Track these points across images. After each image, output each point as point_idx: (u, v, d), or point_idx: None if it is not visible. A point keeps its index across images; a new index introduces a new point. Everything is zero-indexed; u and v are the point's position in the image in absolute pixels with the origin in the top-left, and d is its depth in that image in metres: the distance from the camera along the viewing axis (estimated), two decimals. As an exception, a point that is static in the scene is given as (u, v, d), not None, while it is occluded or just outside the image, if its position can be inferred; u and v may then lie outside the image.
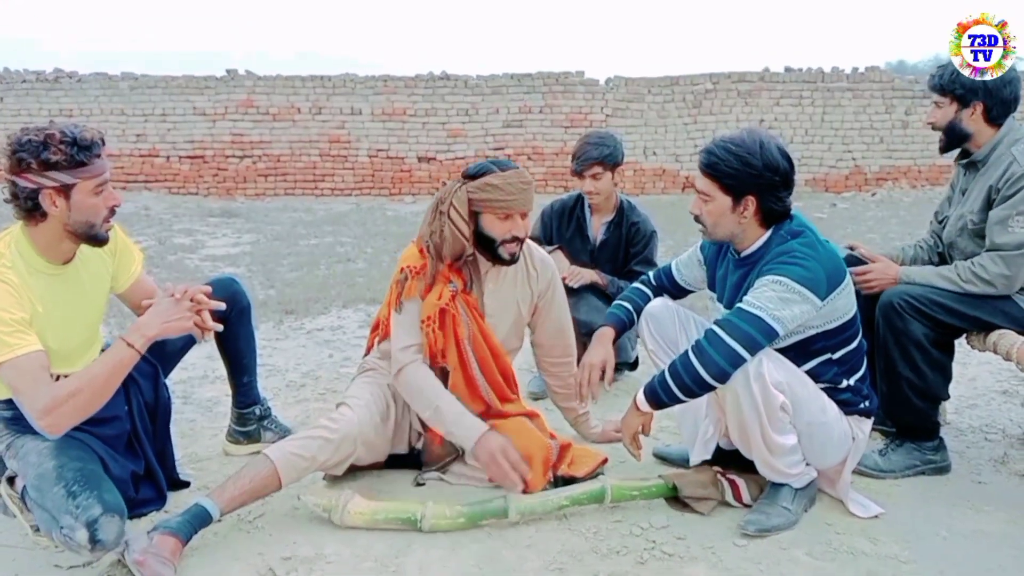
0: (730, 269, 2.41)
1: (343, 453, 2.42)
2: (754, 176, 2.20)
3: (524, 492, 2.42)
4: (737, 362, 2.13)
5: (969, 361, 3.73)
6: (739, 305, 2.18)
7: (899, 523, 2.34)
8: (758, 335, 2.12)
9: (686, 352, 2.20)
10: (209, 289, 2.27)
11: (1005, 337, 2.48)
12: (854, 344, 2.33)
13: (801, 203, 11.96)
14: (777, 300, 2.13)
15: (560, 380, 2.82)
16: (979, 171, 2.67)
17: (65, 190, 2.08)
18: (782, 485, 2.34)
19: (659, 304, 2.58)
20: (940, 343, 2.57)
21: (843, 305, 2.25)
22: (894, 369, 2.58)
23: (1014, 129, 2.62)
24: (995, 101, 2.60)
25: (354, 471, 2.59)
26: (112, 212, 2.19)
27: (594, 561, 2.14)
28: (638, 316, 2.61)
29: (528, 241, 2.73)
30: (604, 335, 2.60)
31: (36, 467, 2.14)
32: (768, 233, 2.29)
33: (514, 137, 13.61)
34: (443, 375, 2.55)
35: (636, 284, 2.72)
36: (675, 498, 2.40)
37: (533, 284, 2.71)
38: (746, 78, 13.29)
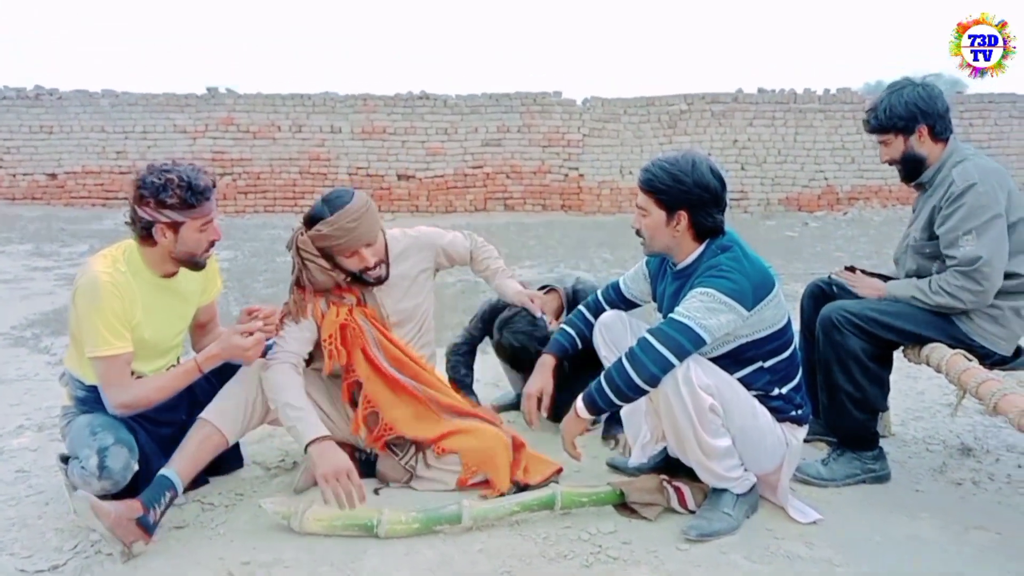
0: (668, 282, 2.55)
1: (259, 385, 2.58)
2: (685, 192, 2.36)
3: (488, 494, 2.56)
4: (666, 367, 2.26)
5: (919, 375, 3.86)
6: (670, 315, 2.32)
7: (836, 529, 2.44)
8: (686, 342, 2.26)
9: (620, 359, 2.33)
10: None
11: (936, 350, 2.60)
12: (786, 354, 2.45)
13: (774, 221, 12.18)
14: (704, 310, 2.27)
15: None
16: (926, 192, 2.80)
17: (175, 226, 2.40)
18: (724, 491, 2.45)
19: (611, 315, 2.70)
20: (877, 357, 2.69)
21: (771, 316, 2.38)
22: (834, 382, 2.70)
23: (956, 150, 2.72)
24: (934, 118, 2.71)
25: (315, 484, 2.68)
26: (212, 244, 2.51)
27: (542, 565, 2.24)
28: (581, 341, 2.75)
29: (397, 235, 2.88)
30: (545, 363, 2.75)
31: (73, 429, 2.47)
32: (701, 248, 2.44)
33: (492, 156, 13.75)
34: (358, 388, 2.69)
35: (579, 307, 2.84)
36: (623, 504, 2.50)
37: (422, 264, 2.89)
38: (720, 99, 13.51)
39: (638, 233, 2.51)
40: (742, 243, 2.44)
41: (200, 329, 2.79)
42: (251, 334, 2.48)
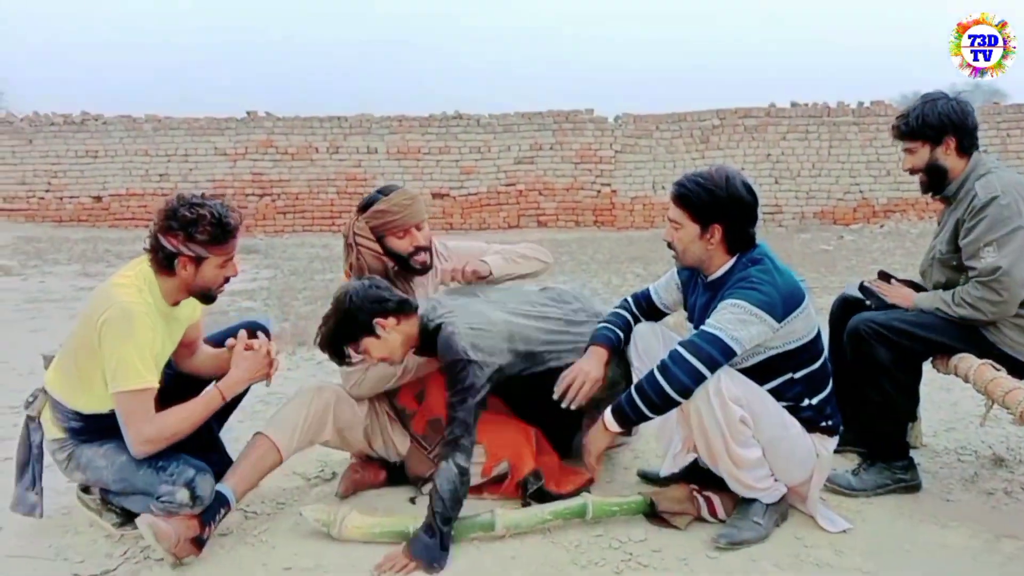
0: (699, 293, 2.60)
1: (317, 407, 2.65)
2: (720, 206, 2.41)
3: (513, 479, 2.66)
4: (699, 378, 2.30)
5: (952, 386, 3.84)
6: (702, 327, 2.35)
7: (866, 537, 2.47)
8: (717, 354, 2.29)
9: (651, 371, 2.36)
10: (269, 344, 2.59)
11: (964, 360, 2.62)
12: (816, 365, 2.48)
13: (809, 235, 12.10)
14: (736, 322, 2.30)
15: None
16: (951, 205, 2.83)
17: (197, 260, 2.39)
18: (753, 500, 2.48)
19: (646, 326, 2.74)
20: (905, 367, 2.71)
21: (801, 328, 2.41)
22: (862, 392, 2.73)
23: (980, 163, 2.75)
24: (963, 132, 2.74)
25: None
26: (227, 280, 2.50)
27: (574, 572, 2.29)
28: (624, 337, 2.73)
29: (437, 242, 2.98)
30: (599, 353, 2.67)
31: (110, 467, 2.42)
32: (732, 260, 2.48)
33: (525, 173, 13.88)
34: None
35: (615, 308, 2.84)
36: (654, 514, 2.54)
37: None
38: (752, 113, 13.51)
39: (670, 246, 2.55)
40: (772, 256, 2.48)
41: (186, 348, 2.65)
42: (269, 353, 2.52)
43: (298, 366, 4.75)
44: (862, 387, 2.73)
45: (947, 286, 2.77)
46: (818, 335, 2.49)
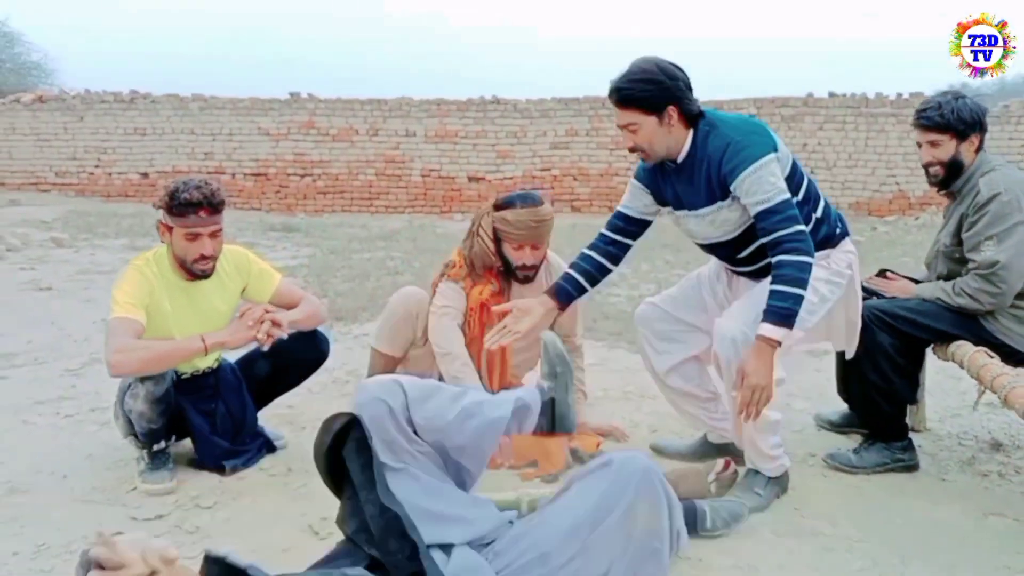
0: (674, 180, 2.62)
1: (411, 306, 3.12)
2: (665, 88, 2.45)
3: (549, 474, 2.80)
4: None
5: (962, 375, 3.90)
6: (763, 207, 2.39)
7: (861, 511, 2.63)
8: (795, 211, 2.40)
9: (793, 262, 2.35)
10: (277, 316, 2.73)
11: (961, 348, 2.76)
12: (805, 181, 2.60)
13: (843, 226, 12.06)
14: (773, 180, 2.40)
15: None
16: (956, 200, 2.96)
17: (168, 228, 2.68)
18: (757, 473, 2.65)
19: (648, 311, 2.88)
20: (906, 353, 2.86)
21: (783, 151, 2.51)
22: (864, 376, 2.87)
23: (985, 161, 2.86)
24: (984, 131, 2.86)
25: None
26: (202, 258, 2.69)
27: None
28: (590, 282, 2.77)
29: (555, 259, 3.16)
30: (544, 301, 2.74)
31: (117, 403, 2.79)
32: (690, 135, 2.51)
33: (560, 158, 14.00)
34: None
35: (583, 251, 2.83)
36: None
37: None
38: (789, 103, 13.47)
39: (632, 150, 2.57)
40: (717, 113, 2.55)
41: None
42: (261, 322, 2.67)
43: (336, 340, 4.93)
44: (864, 370, 2.87)
45: (949, 277, 2.91)
46: (793, 155, 2.59)
